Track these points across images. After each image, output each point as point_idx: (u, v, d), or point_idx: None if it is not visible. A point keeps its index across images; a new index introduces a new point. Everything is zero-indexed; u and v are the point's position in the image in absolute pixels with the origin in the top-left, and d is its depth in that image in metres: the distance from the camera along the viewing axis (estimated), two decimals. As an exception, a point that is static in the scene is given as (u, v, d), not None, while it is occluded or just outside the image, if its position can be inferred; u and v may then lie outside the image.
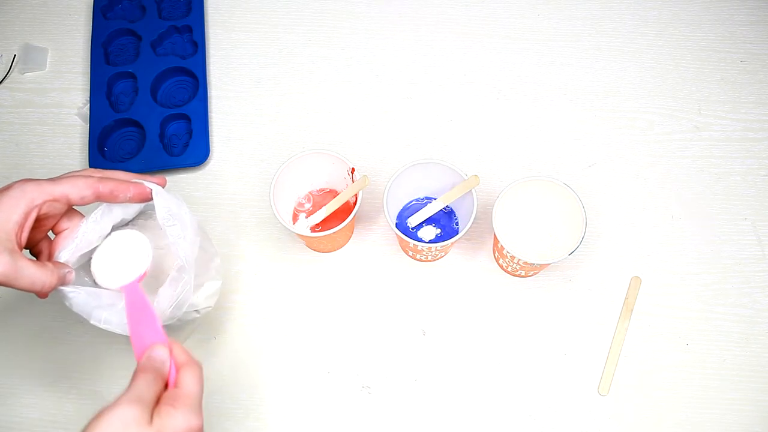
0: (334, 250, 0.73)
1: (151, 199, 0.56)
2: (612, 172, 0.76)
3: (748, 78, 0.81)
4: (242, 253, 0.73)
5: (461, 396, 0.67)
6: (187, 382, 0.48)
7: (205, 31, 0.84)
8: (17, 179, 0.52)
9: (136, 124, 0.79)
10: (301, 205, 0.72)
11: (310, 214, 0.71)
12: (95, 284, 0.59)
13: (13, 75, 0.83)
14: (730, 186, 0.75)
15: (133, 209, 0.57)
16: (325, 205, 0.69)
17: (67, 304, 0.54)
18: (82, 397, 0.67)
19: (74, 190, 0.52)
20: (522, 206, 0.68)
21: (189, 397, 0.47)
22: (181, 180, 0.77)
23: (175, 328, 0.64)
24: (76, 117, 0.81)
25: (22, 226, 0.50)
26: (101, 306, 0.54)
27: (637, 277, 0.71)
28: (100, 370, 0.68)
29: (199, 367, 0.49)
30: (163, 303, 0.55)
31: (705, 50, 0.83)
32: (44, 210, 0.51)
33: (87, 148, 0.78)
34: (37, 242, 0.54)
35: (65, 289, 0.53)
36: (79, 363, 0.69)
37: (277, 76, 0.83)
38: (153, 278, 0.59)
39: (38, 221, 0.52)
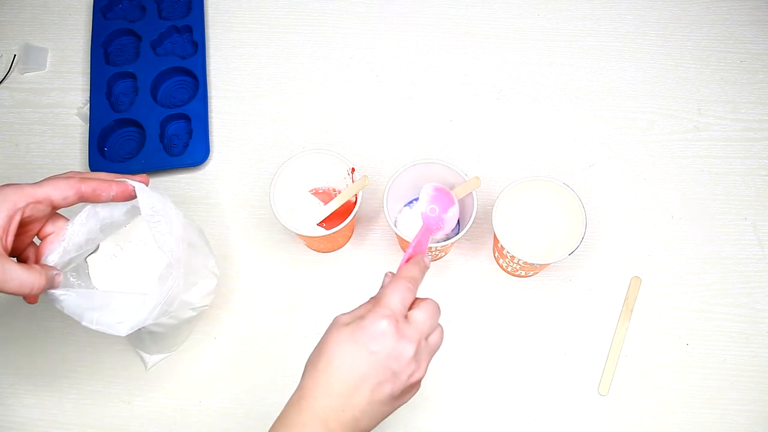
0: (334, 250, 0.73)
1: (135, 197, 0.55)
2: (612, 172, 0.76)
3: (748, 78, 0.81)
4: (242, 253, 0.73)
5: (461, 396, 0.67)
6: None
7: (205, 31, 0.84)
8: (17, 180, 0.52)
9: (136, 124, 0.79)
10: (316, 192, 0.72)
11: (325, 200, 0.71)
12: (88, 285, 0.59)
13: (13, 75, 0.83)
14: (730, 186, 0.75)
15: (119, 210, 0.57)
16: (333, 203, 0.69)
17: (58, 306, 0.53)
18: (82, 397, 0.67)
19: (56, 191, 0.52)
20: (522, 206, 0.68)
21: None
22: (180, 180, 0.77)
23: (173, 327, 0.64)
24: (76, 117, 0.81)
25: (6, 230, 0.50)
26: (93, 307, 0.54)
27: (637, 277, 0.71)
28: (100, 370, 0.68)
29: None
30: (153, 300, 0.55)
31: (705, 50, 0.83)
32: (28, 213, 0.51)
33: (87, 148, 0.78)
34: (24, 248, 0.54)
35: (56, 291, 0.53)
36: (79, 363, 0.69)
37: (277, 76, 0.83)
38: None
39: (23, 226, 0.52)
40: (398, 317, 0.47)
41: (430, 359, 0.50)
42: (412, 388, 0.49)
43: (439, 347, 0.50)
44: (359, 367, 0.46)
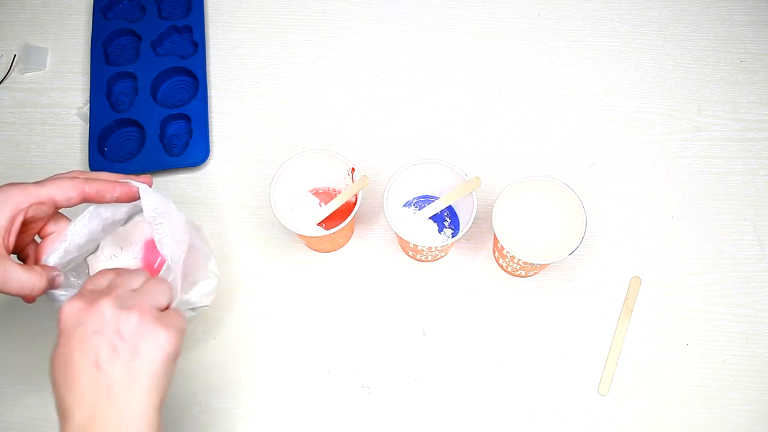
0: (334, 250, 0.73)
1: (139, 198, 0.55)
2: (612, 172, 0.76)
3: (748, 78, 0.81)
4: (242, 253, 0.73)
5: (461, 396, 0.67)
6: None
7: (205, 31, 0.84)
8: (16, 179, 0.52)
9: (136, 124, 0.79)
10: (316, 192, 0.72)
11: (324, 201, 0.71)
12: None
13: (13, 75, 0.83)
14: (730, 186, 0.75)
15: (122, 210, 0.57)
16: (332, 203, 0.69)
17: (57, 306, 0.53)
18: (82, 397, 0.67)
19: (60, 191, 0.52)
20: (522, 206, 0.68)
21: None
22: (181, 180, 0.77)
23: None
24: (76, 117, 0.81)
25: (8, 231, 0.50)
26: None
27: (637, 277, 0.71)
28: (100, 370, 0.68)
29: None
30: None
31: (705, 50, 0.83)
32: (30, 213, 0.51)
33: (87, 148, 0.78)
34: (24, 247, 0.54)
35: (56, 292, 0.53)
36: (79, 363, 0.68)
37: (277, 76, 0.83)
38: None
39: (25, 225, 0.52)
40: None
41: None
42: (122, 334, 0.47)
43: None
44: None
